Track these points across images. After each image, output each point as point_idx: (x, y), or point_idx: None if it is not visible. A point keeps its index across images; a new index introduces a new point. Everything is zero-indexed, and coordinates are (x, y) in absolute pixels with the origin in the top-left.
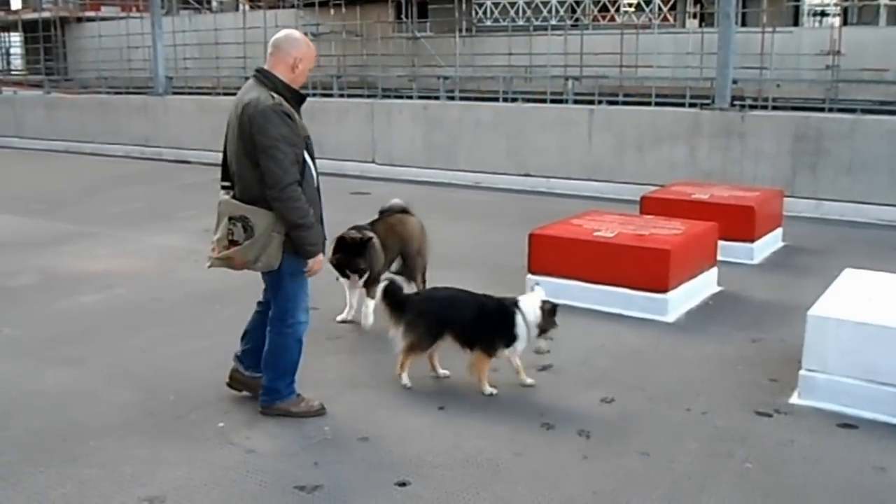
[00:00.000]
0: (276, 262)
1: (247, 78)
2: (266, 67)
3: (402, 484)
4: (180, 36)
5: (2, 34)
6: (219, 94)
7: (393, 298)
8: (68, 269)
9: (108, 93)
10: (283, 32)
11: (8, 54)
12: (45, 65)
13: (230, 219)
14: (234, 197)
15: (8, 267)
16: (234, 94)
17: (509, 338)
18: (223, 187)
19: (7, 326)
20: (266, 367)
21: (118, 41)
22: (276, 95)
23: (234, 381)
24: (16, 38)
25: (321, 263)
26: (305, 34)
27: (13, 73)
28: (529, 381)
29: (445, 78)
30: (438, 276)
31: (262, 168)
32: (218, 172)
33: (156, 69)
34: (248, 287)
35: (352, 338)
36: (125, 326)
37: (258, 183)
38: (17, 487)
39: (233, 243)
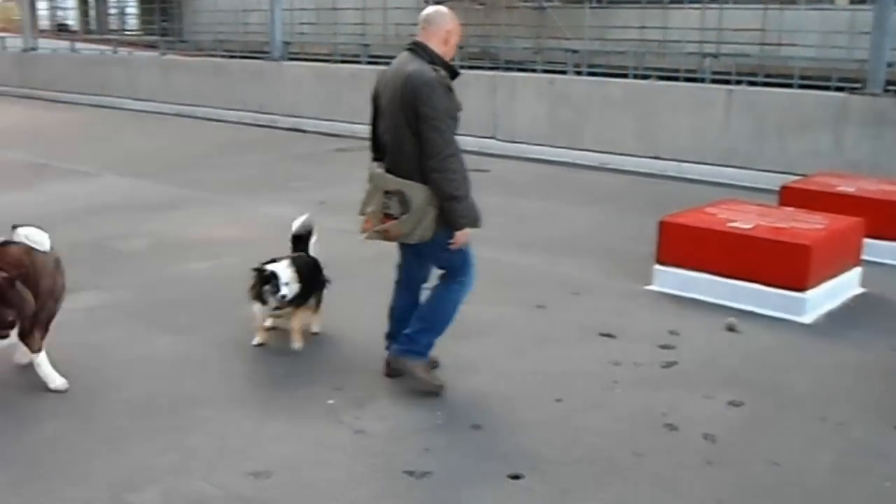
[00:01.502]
0: (429, 234)
1: (366, 45)
2: (420, 41)
3: (515, 477)
4: (298, 0)
5: None
6: (336, 61)
7: None
8: (179, 234)
9: (223, 56)
10: (431, 8)
11: (123, 14)
12: (160, 26)
13: (386, 193)
14: (386, 170)
15: (120, 230)
16: (351, 62)
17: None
18: (374, 159)
19: (119, 289)
20: (418, 316)
21: (234, 3)
22: (438, 69)
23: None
24: None
25: (468, 237)
26: (427, 2)
27: (127, 33)
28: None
29: (573, 51)
30: (560, 263)
31: (424, 139)
32: (335, 143)
33: (273, 34)
34: (361, 262)
35: (465, 322)
36: (235, 296)
37: (415, 156)
38: (125, 452)
39: (388, 216)
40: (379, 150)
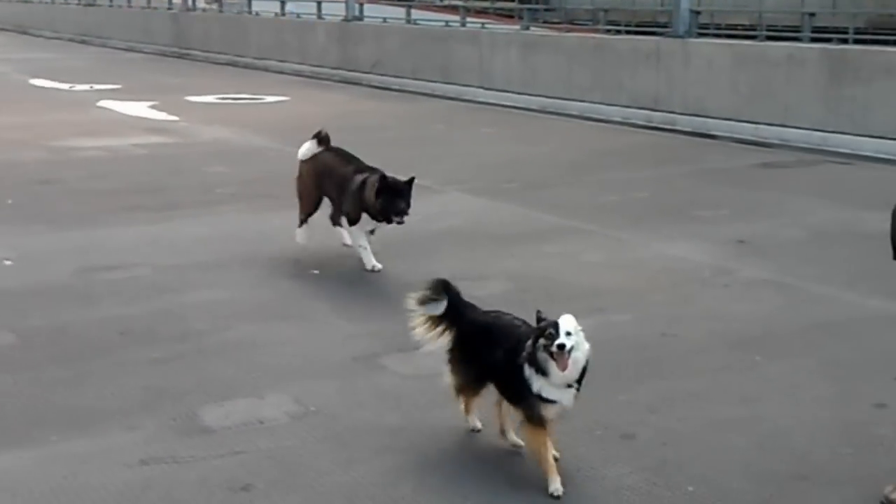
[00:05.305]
0: None
1: (810, 14)
2: None
3: None
4: None
5: None
6: (764, 37)
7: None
8: (547, 277)
9: (606, 31)
10: None
11: None
12: None
13: None
14: None
15: (473, 267)
16: (786, 39)
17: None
18: None
19: None
20: None
21: None
22: None
23: None
24: None
25: None
26: None
27: None
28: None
29: None
30: None
31: None
32: (758, 155)
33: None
34: (806, 333)
35: None
36: (623, 369)
37: None
38: None
39: None
40: None
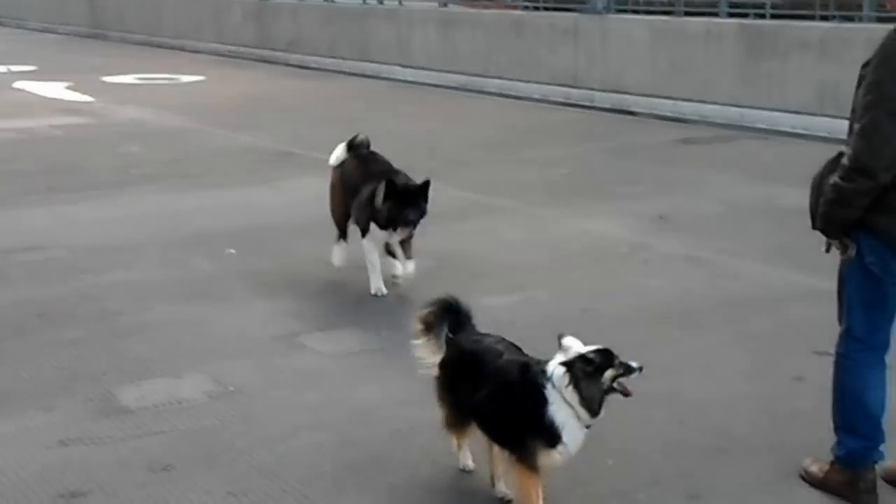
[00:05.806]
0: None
1: None
2: None
3: None
4: None
5: None
6: (682, 13)
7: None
8: (468, 255)
9: (524, 8)
10: None
11: None
12: None
13: None
14: None
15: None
16: (704, 14)
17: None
18: None
19: (386, 329)
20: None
21: None
22: None
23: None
24: None
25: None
26: None
27: None
28: None
29: None
30: None
31: None
32: (677, 130)
33: None
34: (724, 307)
35: None
36: (543, 346)
37: None
38: None
39: None
40: None
